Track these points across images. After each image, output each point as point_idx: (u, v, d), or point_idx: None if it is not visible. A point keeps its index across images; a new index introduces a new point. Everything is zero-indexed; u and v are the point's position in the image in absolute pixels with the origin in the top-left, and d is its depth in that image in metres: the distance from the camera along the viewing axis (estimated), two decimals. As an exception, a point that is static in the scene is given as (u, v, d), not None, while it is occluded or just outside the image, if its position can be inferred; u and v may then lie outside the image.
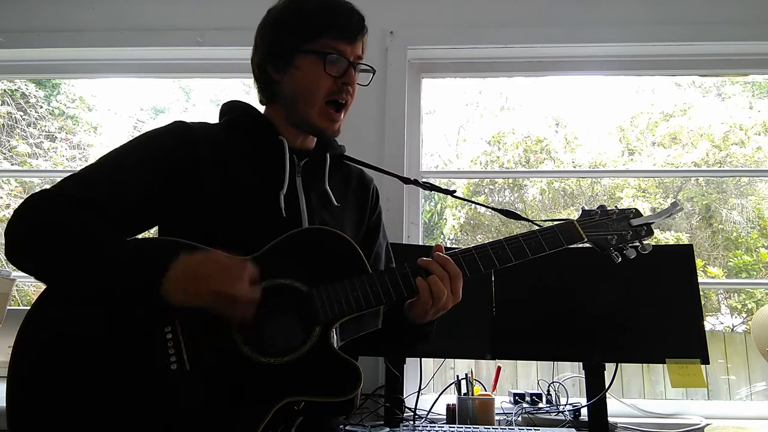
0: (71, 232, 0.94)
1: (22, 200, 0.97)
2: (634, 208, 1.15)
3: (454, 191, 1.34)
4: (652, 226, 1.14)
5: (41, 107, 5.24)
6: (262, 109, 1.22)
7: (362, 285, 1.00)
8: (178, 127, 1.10)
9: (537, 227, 1.12)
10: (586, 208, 1.15)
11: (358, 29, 1.11)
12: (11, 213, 0.95)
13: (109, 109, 5.83)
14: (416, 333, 1.11)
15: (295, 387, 0.93)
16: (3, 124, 4.84)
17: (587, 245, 1.13)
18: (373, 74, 1.18)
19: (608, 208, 1.16)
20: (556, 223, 1.12)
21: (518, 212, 1.28)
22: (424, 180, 1.36)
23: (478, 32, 2.19)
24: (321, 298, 0.97)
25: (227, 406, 0.91)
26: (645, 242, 1.13)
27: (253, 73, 1.19)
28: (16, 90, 4.95)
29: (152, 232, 1.17)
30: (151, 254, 0.94)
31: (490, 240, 1.07)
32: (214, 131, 1.14)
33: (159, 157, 1.05)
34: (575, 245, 1.10)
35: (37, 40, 2.30)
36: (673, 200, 1.18)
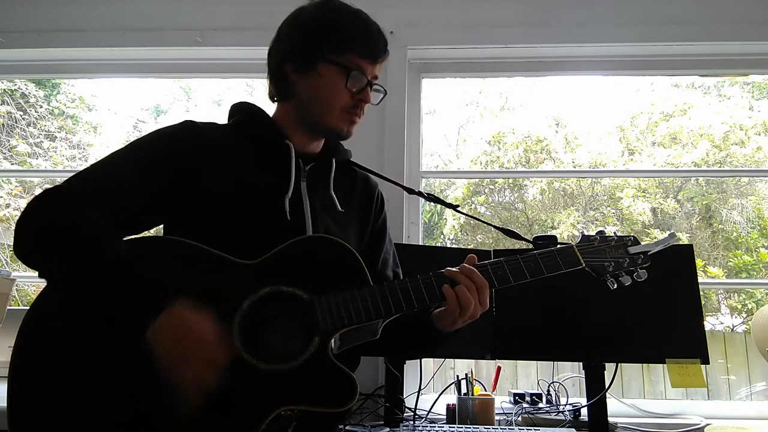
0: (74, 233, 0.93)
1: (31, 198, 0.98)
2: (633, 236, 1.16)
3: (458, 206, 1.38)
4: (649, 254, 1.14)
5: (41, 107, 5.25)
6: (270, 108, 1.22)
7: (363, 297, 1.00)
8: (187, 126, 1.11)
9: (533, 249, 1.12)
10: (586, 233, 1.15)
11: (382, 51, 1.14)
12: (15, 212, 0.95)
13: (109, 109, 5.84)
14: (444, 341, 1.12)
15: (291, 395, 0.93)
16: (3, 124, 4.85)
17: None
18: (384, 95, 1.20)
19: (607, 235, 1.15)
20: (556, 247, 1.12)
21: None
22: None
23: (478, 32, 2.19)
24: (322, 308, 0.98)
25: (225, 410, 0.91)
26: (641, 270, 1.13)
27: (268, 68, 1.19)
28: (16, 90, 4.95)
29: (156, 230, 1.17)
30: (141, 291, 0.92)
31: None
32: (222, 132, 1.14)
33: (164, 155, 1.06)
34: (572, 270, 1.10)
35: (37, 40, 2.29)
36: (671, 232, 1.18)
